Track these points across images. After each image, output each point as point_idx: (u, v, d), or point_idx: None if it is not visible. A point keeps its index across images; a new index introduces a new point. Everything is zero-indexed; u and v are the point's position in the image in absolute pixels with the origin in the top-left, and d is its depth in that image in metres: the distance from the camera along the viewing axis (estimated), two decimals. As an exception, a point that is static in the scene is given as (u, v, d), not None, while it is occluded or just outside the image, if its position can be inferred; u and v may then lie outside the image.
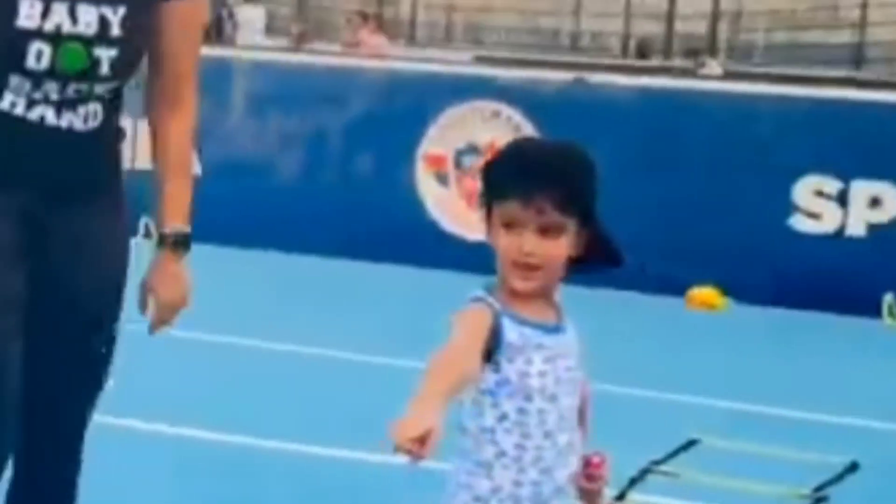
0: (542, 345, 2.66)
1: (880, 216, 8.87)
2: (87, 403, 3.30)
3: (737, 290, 8.81)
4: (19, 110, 3.05)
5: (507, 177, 2.64)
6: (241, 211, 9.72)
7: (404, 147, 9.72)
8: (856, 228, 8.90)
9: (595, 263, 2.74)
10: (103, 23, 3.03)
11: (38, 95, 3.04)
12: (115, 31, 3.05)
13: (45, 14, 2.99)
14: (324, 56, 12.36)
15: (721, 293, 8.81)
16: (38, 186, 3.10)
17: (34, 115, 3.05)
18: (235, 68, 10.22)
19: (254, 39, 18.03)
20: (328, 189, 9.91)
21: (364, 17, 18.48)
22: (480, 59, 22.42)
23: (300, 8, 23.50)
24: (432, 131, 9.69)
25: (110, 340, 3.26)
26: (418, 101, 9.82)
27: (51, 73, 3.01)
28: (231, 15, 18.59)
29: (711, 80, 10.63)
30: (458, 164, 9.66)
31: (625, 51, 29.57)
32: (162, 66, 3.20)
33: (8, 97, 3.04)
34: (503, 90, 9.64)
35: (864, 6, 27.43)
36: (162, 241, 3.20)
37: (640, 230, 8.88)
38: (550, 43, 33.89)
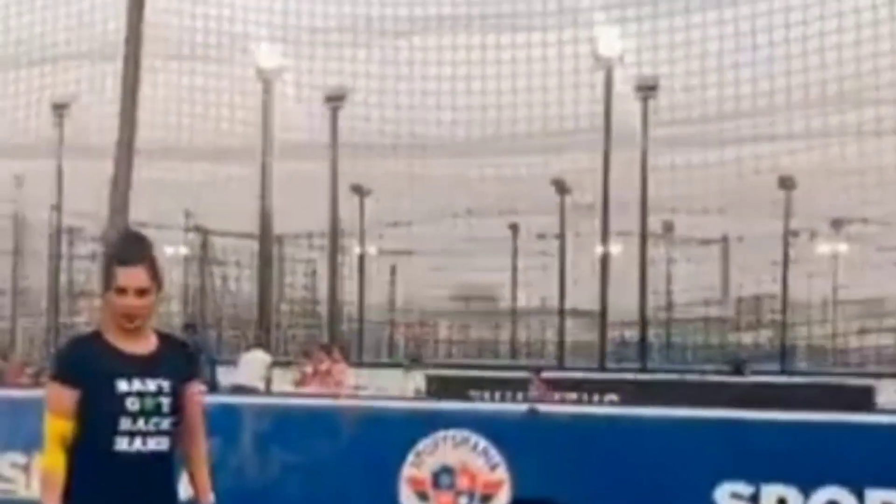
0: None
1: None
2: None
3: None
4: (125, 447, 5.51)
5: None
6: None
7: (389, 471, 11.43)
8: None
9: None
10: (159, 386, 5.59)
11: (135, 428, 5.49)
12: (166, 389, 5.60)
13: (129, 384, 5.53)
14: (316, 399, 14.20)
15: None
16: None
17: (133, 448, 5.51)
18: (239, 412, 11.97)
19: (252, 381, 19.93)
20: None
21: (327, 350, 20.34)
22: (431, 380, 24.26)
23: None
24: (411, 457, 11.43)
25: None
26: (399, 431, 11.57)
27: (140, 412, 5.52)
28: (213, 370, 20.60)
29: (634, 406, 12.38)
30: (435, 484, 11.37)
31: (560, 359, 31.63)
32: (184, 415, 5.72)
33: (118, 442, 5.52)
34: (470, 420, 11.33)
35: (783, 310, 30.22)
36: None
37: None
38: (490, 349, 35.84)
